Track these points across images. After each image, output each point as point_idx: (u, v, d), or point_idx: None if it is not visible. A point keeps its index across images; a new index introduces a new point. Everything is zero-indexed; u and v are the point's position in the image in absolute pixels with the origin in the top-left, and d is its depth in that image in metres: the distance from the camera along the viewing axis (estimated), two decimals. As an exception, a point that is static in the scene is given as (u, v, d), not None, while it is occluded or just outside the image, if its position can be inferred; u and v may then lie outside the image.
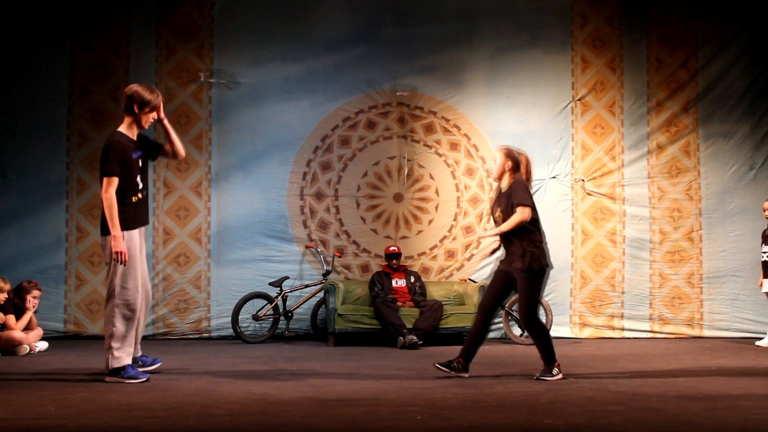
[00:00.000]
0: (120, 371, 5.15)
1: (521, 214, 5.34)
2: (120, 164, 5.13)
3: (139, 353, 5.58)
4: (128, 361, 5.22)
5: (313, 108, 8.95)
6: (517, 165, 5.54)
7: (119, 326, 5.15)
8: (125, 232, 5.17)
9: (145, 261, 5.46)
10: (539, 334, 5.35)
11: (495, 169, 5.60)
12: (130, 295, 5.17)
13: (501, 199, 5.53)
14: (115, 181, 5.12)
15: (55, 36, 8.76)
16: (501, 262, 5.60)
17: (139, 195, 5.30)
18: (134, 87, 5.30)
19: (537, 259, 5.35)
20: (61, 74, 8.74)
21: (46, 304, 8.20)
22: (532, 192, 5.56)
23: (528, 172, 5.58)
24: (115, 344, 5.15)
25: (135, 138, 5.31)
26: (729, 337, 8.73)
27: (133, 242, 5.24)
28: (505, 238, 5.49)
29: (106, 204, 5.11)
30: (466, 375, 5.38)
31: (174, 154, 5.56)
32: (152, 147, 5.55)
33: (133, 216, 5.28)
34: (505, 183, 5.54)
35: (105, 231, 5.18)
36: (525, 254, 5.35)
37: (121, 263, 5.10)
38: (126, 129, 5.29)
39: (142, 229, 5.40)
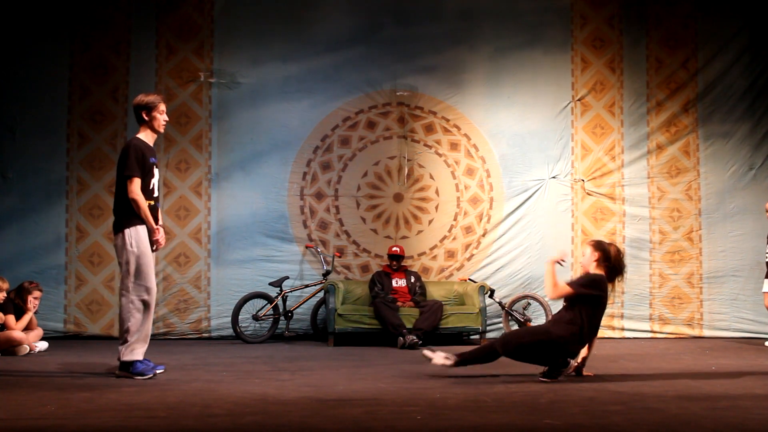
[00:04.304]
0: (130, 366, 5.24)
1: (560, 291, 5.30)
2: (140, 165, 5.32)
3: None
4: (140, 356, 5.30)
5: (313, 108, 8.95)
6: (606, 256, 5.40)
7: (134, 321, 5.26)
8: (139, 228, 5.31)
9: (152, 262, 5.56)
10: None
11: (584, 261, 5.45)
12: (144, 291, 5.29)
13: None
14: (138, 181, 5.30)
15: (55, 36, 8.76)
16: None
17: (152, 201, 5.45)
18: (137, 97, 5.52)
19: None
20: (61, 74, 8.74)
21: (46, 304, 8.20)
22: (599, 286, 5.30)
23: (618, 263, 5.41)
24: (130, 338, 5.26)
25: (152, 145, 5.54)
26: (729, 337, 8.73)
27: (146, 239, 5.38)
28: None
29: (135, 205, 5.28)
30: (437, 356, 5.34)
31: None
32: None
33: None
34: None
35: (118, 229, 5.33)
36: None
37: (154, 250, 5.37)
38: (144, 137, 5.50)
39: None
